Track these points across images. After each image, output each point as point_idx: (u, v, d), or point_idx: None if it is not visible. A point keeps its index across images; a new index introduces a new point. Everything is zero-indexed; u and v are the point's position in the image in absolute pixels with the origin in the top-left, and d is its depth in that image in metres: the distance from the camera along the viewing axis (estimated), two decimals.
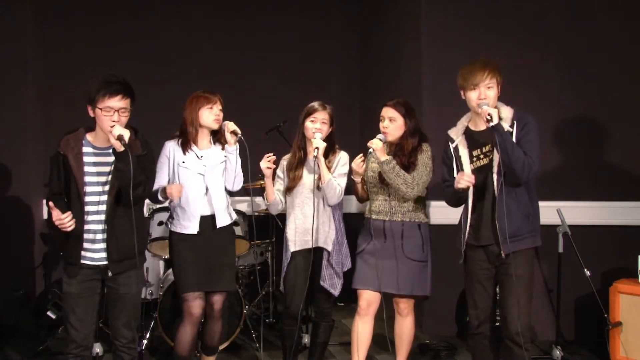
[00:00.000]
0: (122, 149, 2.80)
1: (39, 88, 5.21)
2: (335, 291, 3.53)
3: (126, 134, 2.82)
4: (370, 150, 3.33)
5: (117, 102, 2.85)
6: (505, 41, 4.48)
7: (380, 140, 3.37)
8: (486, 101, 2.97)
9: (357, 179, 3.54)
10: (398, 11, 5.18)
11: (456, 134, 3.18)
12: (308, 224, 3.50)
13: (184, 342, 3.44)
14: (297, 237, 3.54)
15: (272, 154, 3.51)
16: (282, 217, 3.79)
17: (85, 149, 2.95)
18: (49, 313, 4.45)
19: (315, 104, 3.56)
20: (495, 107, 3.03)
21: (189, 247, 3.44)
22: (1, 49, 4.93)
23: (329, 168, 3.50)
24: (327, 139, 3.53)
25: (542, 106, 4.36)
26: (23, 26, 5.02)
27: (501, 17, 4.60)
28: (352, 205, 5.09)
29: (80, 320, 2.95)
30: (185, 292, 3.43)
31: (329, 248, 3.51)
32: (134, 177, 2.82)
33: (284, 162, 3.67)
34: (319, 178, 3.45)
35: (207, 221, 3.47)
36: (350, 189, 3.67)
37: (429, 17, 4.68)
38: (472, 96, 3.01)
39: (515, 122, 3.00)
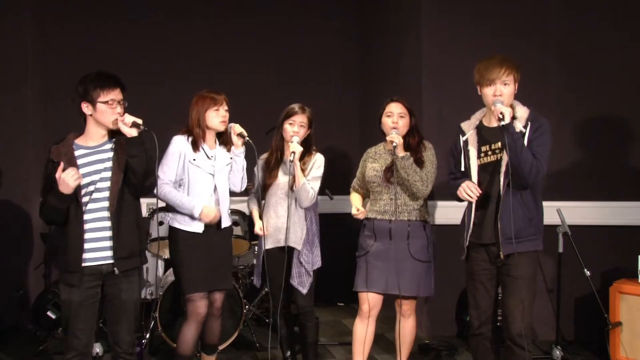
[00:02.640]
0: (136, 134, 2.88)
1: (39, 88, 5.21)
2: (304, 289, 3.57)
3: (138, 119, 2.90)
4: (395, 144, 3.31)
5: (118, 94, 2.93)
6: (505, 41, 4.47)
7: (397, 134, 3.37)
8: (501, 98, 2.93)
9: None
10: (398, 11, 5.18)
11: (468, 127, 3.15)
12: (280, 223, 3.58)
13: (188, 341, 3.43)
14: (270, 235, 3.62)
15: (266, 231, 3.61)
16: None
17: (77, 152, 2.94)
18: (49, 313, 4.46)
19: (295, 107, 3.60)
20: (511, 106, 3.00)
21: (192, 246, 3.43)
22: (1, 49, 4.93)
23: (303, 170, 3.56)
24: (304, 142, 3.58)
25: (542, 106, 4.33)
26: (23, 26, 5.02)
27: (501, 17, 4.60)
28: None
29: (81, 328, 2.90)
30: (191, 292, 3.41)
31: (299, 247, 3.56)
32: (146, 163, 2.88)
33: (261, 161, 3.73)
34: (294, 180, 3.51)
35: None
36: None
37: (429, 17, 4.67)
38: (488, 92, 2.97)
39: (529, 123, 2.97)
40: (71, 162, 2.90)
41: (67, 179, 2.75)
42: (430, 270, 3.48)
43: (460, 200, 3.14)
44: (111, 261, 2.91)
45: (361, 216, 3.51)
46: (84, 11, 5.41)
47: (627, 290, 3.95)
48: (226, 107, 3.48)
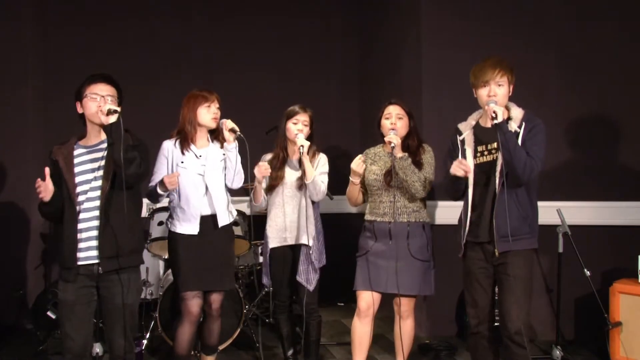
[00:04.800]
0: (112, 120, 2.83)
1: (39, 88, 5.21)
2: (311, 286, 3.62)
3: (116, 107, 2.87)
4: (393, 144, 3.31)
5: (102, 87, 2.93)
6: (505, 41, 4.47)
7: (395, 135, 3.37)
8: (495, 98, 2.98)
9: (356, 180, 3.54)
10: (398, 11, 5.19)
11: (465, 127, 3.19)
12: (287, 222, 3.65)
13: (183, 341, 3.45)
14: (276, 234, 3.67)
15: (269, 167, 3.57)
16: None
17: (75, 151, 2.98)
18: (48, 313, 4.45)
19: (296, 107, 3.67)
20: (506, 107, 3.05)
21: (188, 247, 3.44)
22: (1, 49, 4.94)
23: None
24: (308, 140, 3.60)
25: (542, 106, 4.35)
26: (23, 26, 5.03)
27: (501, 17, 4.60)
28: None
29: (76, 330, 2.89)
30: (184, 291, 3.44)
31: (310, 244, 3.62)
32: (125, 151, 2.82)
33: (265, 161, 3.73)
34: (304, 175, 3.55)
35: (208, 221, 3.47)
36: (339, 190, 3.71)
37: (429, 17, 4.68)
38: (482, 93, 3.02)
39: (524, 123, 3.01)
40: (68, 160, 2.94)
41: (39, 193, 2.84)
42: (430, 269, 3.50)
43: (456, 195, 3.18)
44: (97, 261, 2.91)
45: (362, 165, 3.46)
46: (84, 11, 5.42)
47: (627, 290, 3.95)
48: (217, 105, 3.50)
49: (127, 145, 2.88)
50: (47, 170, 2.89)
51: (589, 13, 4.54)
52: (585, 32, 4.53)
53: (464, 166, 3.00)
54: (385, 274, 3.43)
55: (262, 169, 3.51)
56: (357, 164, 3.47)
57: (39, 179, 2.85)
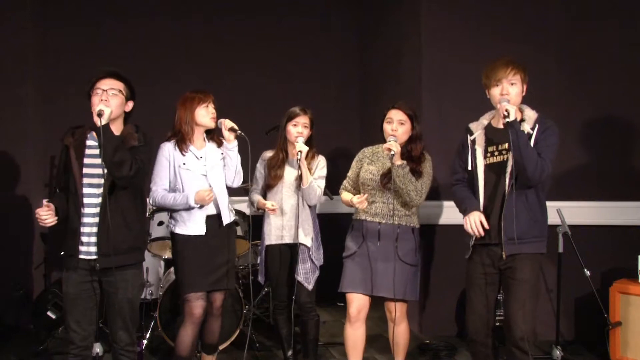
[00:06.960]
0: (99, 123, 2.83)
1: (39, 88, 5.21)
2: (310, 285, 3.63)
3: (107, 110, 2.86)
4: (392, 152, 3.26)
5: (105, 81, 2.95)
6: (505, 41, 4.47)
7: (395, 142, 3.32)
8: (507, 97, 2.94)
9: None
10: (398, 11, 5.19)
11: (476, 127, 3.15)
12: (285, 221, 3.67)
13: (185, 342, 3.44)
14: (273, 232, 3.69)
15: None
16: None
17: (88, 142, 3.00)
18: (49, 313, 4.46)
19: (297, 109, 3.68)
20: (520, 109, 3.02)
21: (192, 248, 3.43)
22: (1, 48, 4.93)
23: (309, 170, 3.61)
24: (307, 142, 3.64)
25: (542, 106, 4.32)
26: (23, 25, 5.02)
27: (501, 17, 4.60)
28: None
29: (77, 322, 2.96)
30: (187, 292, 3.43)
31: (309, 244, 3.64)
32: (116, 153, 2.83)
33: (263, 161, 3.77)
34: (301, 179, 3.57)
35: (212, 220, 3.47)
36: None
37: (429, 17, 4.68)
38: (495, 92, 2.99)
39: (537, 125, 2.98)
40: (78, 150, 2.95)
41: (40, 222, 2.84)
42: (417, 274, 3.47)
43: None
44: (96, 257, 2.94)
45: (364, 203, 3.41)
46: (83, 11, 5.41)
47: (627, 290, 3.96)
48: (214, 105, 3.51)
49: (116, 146, 2.87)
50: (52, 205, 2.88)
51: (589, 13, 4.54)
52: (585, 32, 4.53)
53: (478, 230, 2.96)
54: (372, 276, 3.40)
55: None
56: (361, 203, 3.38)
57: (37, 210, 2.85)
